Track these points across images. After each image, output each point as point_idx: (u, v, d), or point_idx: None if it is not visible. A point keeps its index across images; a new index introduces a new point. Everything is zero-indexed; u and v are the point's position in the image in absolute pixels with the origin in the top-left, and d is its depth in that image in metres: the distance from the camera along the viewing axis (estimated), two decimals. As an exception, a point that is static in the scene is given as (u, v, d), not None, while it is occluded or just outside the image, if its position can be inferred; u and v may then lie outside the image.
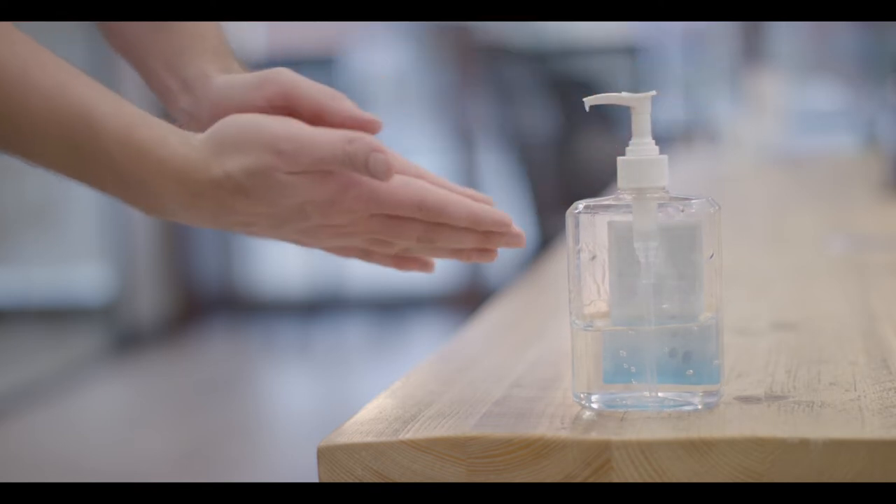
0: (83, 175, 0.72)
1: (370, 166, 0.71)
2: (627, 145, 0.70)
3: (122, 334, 4.41)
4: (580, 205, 0.70)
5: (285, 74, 0.76)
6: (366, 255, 0.82)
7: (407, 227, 0.76)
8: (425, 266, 0.83)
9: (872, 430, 0.63)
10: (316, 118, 0.74)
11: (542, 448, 0.65)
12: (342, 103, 0.75)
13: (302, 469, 2.83)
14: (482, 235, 0.76)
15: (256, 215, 0.74)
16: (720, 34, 4.48)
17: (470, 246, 0.77)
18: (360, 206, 0.74)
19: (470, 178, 4.63)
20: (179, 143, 0.71)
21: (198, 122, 0.77)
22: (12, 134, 0.70)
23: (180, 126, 0.74)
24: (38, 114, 0.69)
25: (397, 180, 0.74)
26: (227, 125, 0.72)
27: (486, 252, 0.78)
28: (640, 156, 0.69)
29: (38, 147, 0.70)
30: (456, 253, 0.78)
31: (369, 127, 0.74)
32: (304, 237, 0.78)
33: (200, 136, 0.72)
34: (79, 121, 0.69)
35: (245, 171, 0.71)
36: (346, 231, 0.77)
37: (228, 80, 0.79)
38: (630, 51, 4.65)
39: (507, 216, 0.76)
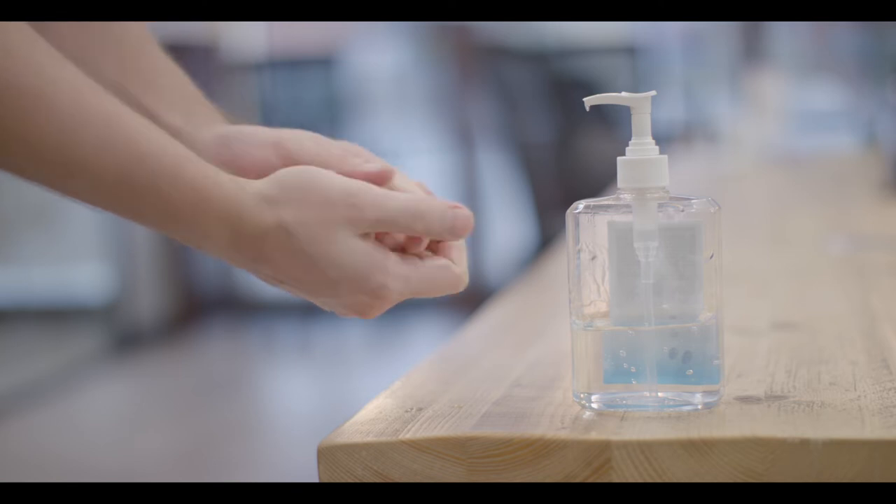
0: (129, 211, 0.68)
1: (448, 223, 0.72)
2: (627, 145, 0.70)
3: (122, 334, 4.41)
4: (580, 205, 0.70)
5: (292, 132, 0.75)
6: None
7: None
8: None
9: (872, 430, 0.63)
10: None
11: (542, 448, 0.65)
12: (353, 160, 0.74)
13: (302, 469, 2.83)
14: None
15: (289, 276, 0.73)
16: (720, 34, 4.48)
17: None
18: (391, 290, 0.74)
19: (470, 178, 4.63)
20: (231, 183, 0.69)
21: None
22: (60, 167, 0.65)
23: None
24: (91, 147, 0.64)
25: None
26: (292, 175, 0.70)
27: None
28: (640, 156, 0.69)
29: (86, 182, 0.66)
30: None
31: (383, 181, 0.74)
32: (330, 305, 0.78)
33: (257, 182, 0.70)
34: (131, 155, 0.65)
35: (301, 222, 0.69)
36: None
37: (241, 134, 0.77)
38: (630, 51, 4.65)
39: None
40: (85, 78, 0.65)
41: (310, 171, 0.71)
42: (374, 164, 0.75)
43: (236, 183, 0.69)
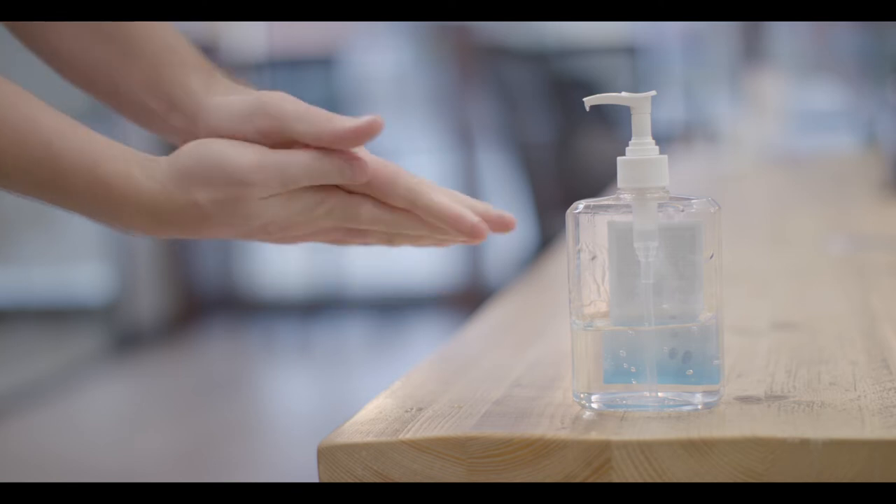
0: (53, 204, 0.73)
1: (347, 173, 0.73)
2: (627, 145, 0.70)
3: (122, 334, 4.41)
4: (580, 205, 0.70)
5: (274, 105, 0.74)
6: (337, 241, 0.82)
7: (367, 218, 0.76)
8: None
9: (872, 430, 0.63)
10: (315, 142, 0.73)
11: (543, 448, 0.65)
12: (337, 123, 0.73)
13: (302, 469, 2.83)
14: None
15: (222, 234, 0.75)
16: (720, 34, 4.48)
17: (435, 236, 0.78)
18: (328, 221, 0.75)
19: (470, 178, 4.63)
20: (144, 178, 0.72)
21: (194, 139, 0.76)
22: None
23: (179, 142, 0.74)
24: (5, 149, 0.69)
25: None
26: (192, 156, 0.73)
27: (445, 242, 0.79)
28: (640, 156, 0.69)
29: (5, 180, 0.71)
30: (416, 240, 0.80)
31: (370, 131, 0.73)
32: (268, 240, 0.79)
33: (164, 168, 0.73)
34: (45, 157, 0.70)
35: (215, 202, 0.72)
36: (309, 237, 0.79)
37: (220, 106, 0.77)
38: (630, 51, 4.65)
39: (479, 223, 0.76)
40: (4, 86, 0.70)
41: (205, 150, 0.73)
42: (359, 119, 0.74)
43: (147, 172, 0.72)
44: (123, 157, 0.72)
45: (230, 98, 0.77)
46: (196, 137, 0.76)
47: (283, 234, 0.77)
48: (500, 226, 0.80)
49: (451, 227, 0.75)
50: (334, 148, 0.73)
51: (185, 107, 0.79)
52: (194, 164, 0.72)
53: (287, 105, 0.74)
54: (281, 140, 0.74)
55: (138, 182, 0.72)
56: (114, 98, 0.84)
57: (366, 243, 0.82)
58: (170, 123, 0.80)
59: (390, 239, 0.81)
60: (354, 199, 0.75)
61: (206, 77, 0.80)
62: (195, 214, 0.72)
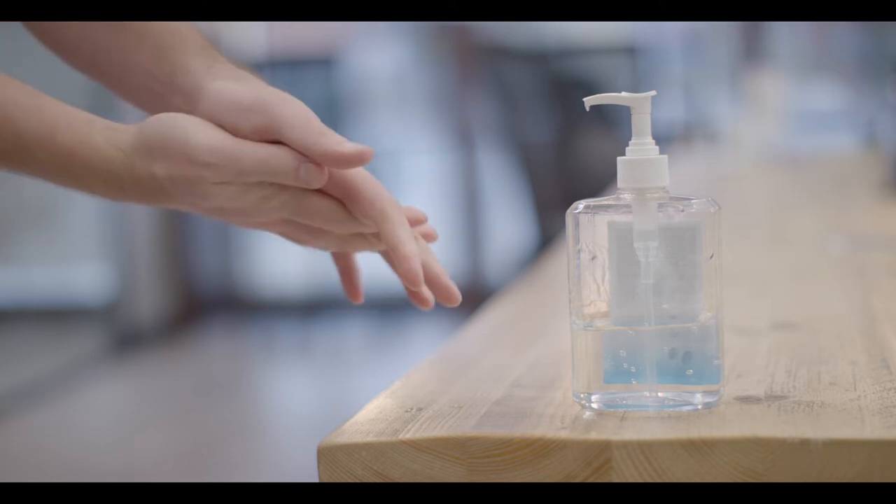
0: (15, 171, 0.74)
1: (301, 177, 0.72)
2: (627, 145, 0.70)
3: (122, 334, 4.41)
4: (580, 205, 0.70)
5: (273, 106, 0.73)
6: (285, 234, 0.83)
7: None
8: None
9: (872, 430, 0.63)
10: (303, 151, 0.72)
11: (542, 448, 0.65)
12: (327, 141, 0.72)
13: (302, 469, 2.83)
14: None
15: (181, 207, 0.76)
16: (720, 34, 4.48)
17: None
18: (281, 213, 0.76)
19: (470, 178, 4.63)
20: (105, 144, 0.73)
21: None
22: None
23: None
24: None
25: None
26: (155, 129, 0.73)
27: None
28: (640, 156, 0.69)
29: None
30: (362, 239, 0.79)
31: (359, 159, 0.73)
32: (228, 221, 0.80)
33: (129, 137, 0.73)
34: (3, 126, 0.71)
35: (170, 178, 0.73)
36: (267, 226, 0.80)
37: (220, 91, 0.76)
38: (630, 51, 4.65)
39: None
40: None
41: (170, 124, 0.73)
42: (350, 146, 0.73)
43: (110, 141, 0.73)
44: (86, 124, 0.73)
45: (234, 86, 0.76)
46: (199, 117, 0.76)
47: (241, 219, 0.78)
48: (445, 297, 0.78)
49: (399, 262, 0.74)
50: (319, 162, 0.73)
51: (185, 88, 0.78)
52: (157, 137, 0.73)
53: (286, 109, 0.73)
54: (271, 140, 0.73)
55: (100, 150, 0.73)
56: (119, 82, 0.84)
57: (322, 247, 0.82)
58: (172, 105, 0.80)
59: (345, 242, 0.80)
60: (311, 197, 0.75)
61: (209, 60, 0.80)
62: (153, 186, 0.73)
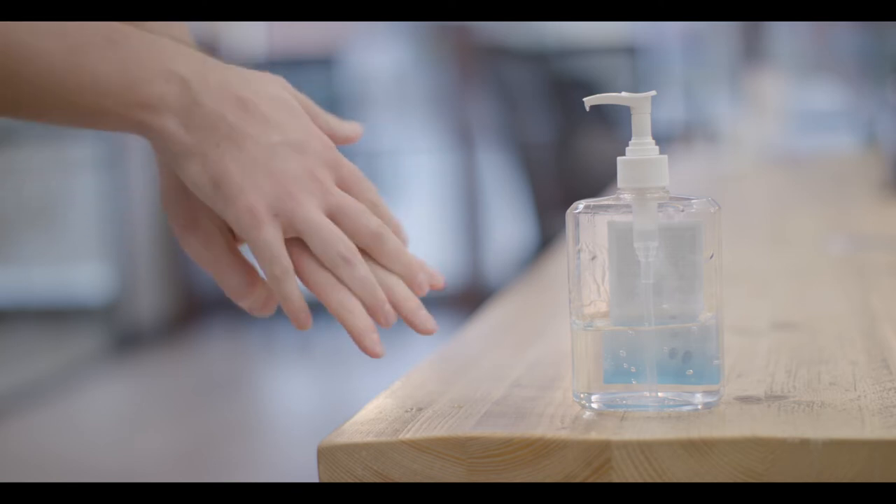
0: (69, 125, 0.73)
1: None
2: (627, 145, 0.70)
3: (122, 334, 4.41)
4: (580, 205, 0.70)
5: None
6: None
7: None
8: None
9: (872, 430, 0.63)
10: None
11: (542, 448, 0.65)
12: (317, 121, 0.74)
13: (302, 469, 2.83)
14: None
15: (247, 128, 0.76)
16: (720, 34, 4.48)
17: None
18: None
19: (470, 178, 4.63)
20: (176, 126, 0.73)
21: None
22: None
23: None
24: (50, 88, 0.69)
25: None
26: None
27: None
28: (640, 156, 0.69)
29: (48, 115, 0.71)
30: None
31: (350, 139, 0.74)
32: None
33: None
34: (89, 101, 0.70)
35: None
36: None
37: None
38: (630, 51, 4.65)
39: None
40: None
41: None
42: (346, 125, 0.76)
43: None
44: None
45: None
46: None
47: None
48: (422, 329, 0.78)
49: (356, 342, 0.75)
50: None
51: None
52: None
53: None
54: None
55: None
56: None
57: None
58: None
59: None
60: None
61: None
62: (232, 84, 0.76)
